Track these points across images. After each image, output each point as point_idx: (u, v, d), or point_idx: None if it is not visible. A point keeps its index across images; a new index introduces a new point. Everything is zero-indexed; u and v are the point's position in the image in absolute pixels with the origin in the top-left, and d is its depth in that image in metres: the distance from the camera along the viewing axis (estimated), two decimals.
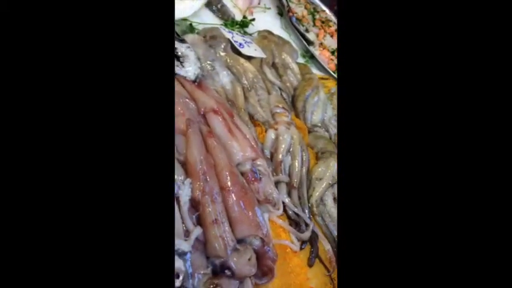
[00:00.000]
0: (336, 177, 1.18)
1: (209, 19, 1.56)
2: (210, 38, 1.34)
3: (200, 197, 0.86)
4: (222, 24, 1.56)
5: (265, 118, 1.24)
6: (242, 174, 1.01)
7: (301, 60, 1.69)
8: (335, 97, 1.46)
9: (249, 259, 0.85)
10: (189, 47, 1.23)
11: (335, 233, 1.10)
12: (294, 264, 0.99)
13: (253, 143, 1.08)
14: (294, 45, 1.68)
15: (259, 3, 1.78)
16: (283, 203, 1.07)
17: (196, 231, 0.82)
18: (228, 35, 1.40)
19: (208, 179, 0.89)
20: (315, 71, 1.65)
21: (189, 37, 1.30)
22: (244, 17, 1.66)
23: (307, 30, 1.81)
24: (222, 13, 1.61)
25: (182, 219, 0.83)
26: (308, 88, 1.41)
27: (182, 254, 0.78)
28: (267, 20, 1.76)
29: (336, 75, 1.70)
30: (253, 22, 1.65)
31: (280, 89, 1.40)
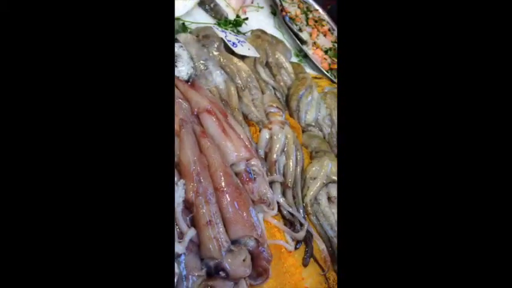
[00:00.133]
0: (330, 176, 1.18)
1: (202, 18, 1.55)
2: (203, 37, 1.34)
3: (194, 198, 0.86)
4: (215, 24, 1.55)
5: (259, 118, 1.24)
6: (236, 174, 1.01)
7: (294, 59, 1.69)
8: (328, 96, 1.47)
9: (244, 260, 0.85)
10: (181, 47, 1.22)
11: (329, 232, 1.10)
12: (288, 264, 0.99)
13: (247, 143, 1.08)
14: (287, 44, 1.68)
15: (252, 3, 1.78)
16: (278, 203, 1.06)
17: (190, 233, 0.82)
18: (221, 34, 1.39)
19: (202, 180, 0.89)
20: (309, 70, 1.65)
21: (181, 36, 1.29)
22: (238, 16, 1.65)
23: (300, 30, 1.81)
24: (215, 12, 1.60)
25: (176, 220, 0.82)
26: (302, 87, 1.41)
27: (176, 256, 0.78)
28: (260, 19, 1.76)
29: (329, 75, 1.70)
30: (246, 21, 1.65)
31: (274, 88, 1.40)
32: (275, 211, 1.04)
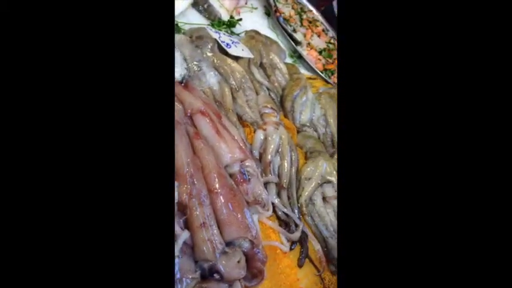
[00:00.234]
0: (325, 176, 1.18)
1: (195, 19, 1.55)
2: (197, 38, 1.33)
3: (187, 200, 0.85)
4: (208, 25, 1.55)
5: (253, 119, 1.23)
6: (231, 175, 1.00)
7: (288, 60, 1.69)
8: (323, 97, 1.47)
9: (238, 262, 0.84)
10: (175, 48, 1.21)
11: (325, 232, 1.10)
12: (284, 265, 0.99)
13: (241, 144, 1.07)
14: (281, 45, 1.67)
15: (246, 3, 1.77)
16: (273, 203, 1.06)
17: (184, 235, 0.81)
18: (215, 35, 1.39)
19: (195, 182, 0.88)
20: (303, 71, 1.65)
21: (175, 37, 1.29)
22: (231, 17, 1.65)
23: (294, 30, 1.81)
24: (209, 13, 1.60)
25: None
26: (296, 88, 1.41)
27: None
28: (254, 20, 1.76)
29: (323, 75, 1.70)
30: (240, 22, 1.64)
31: (268, 89, 1.39)
32: (270, 212, 1.03)
